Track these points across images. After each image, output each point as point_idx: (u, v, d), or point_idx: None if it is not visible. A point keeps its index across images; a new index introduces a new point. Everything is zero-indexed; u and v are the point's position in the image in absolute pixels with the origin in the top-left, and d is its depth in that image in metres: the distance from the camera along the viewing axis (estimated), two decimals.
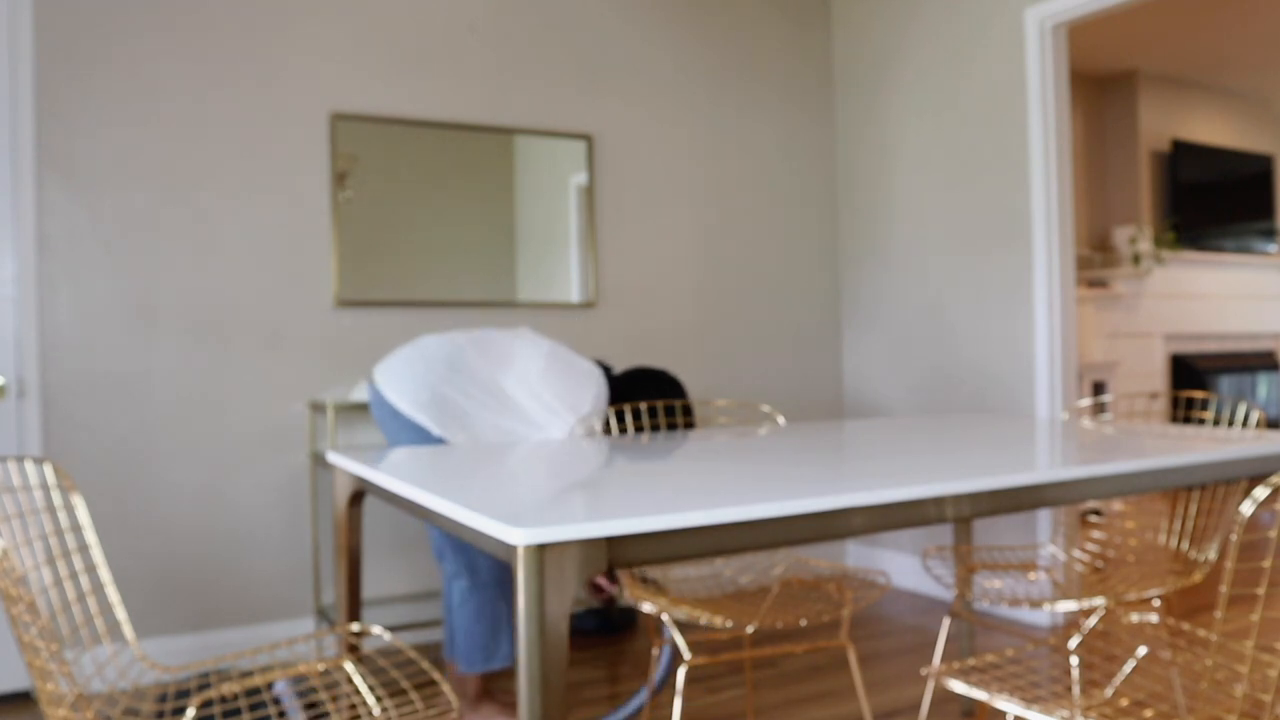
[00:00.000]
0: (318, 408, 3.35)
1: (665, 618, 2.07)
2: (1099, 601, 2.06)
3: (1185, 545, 2.32)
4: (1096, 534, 2.50)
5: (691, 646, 3.34)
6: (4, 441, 2.96)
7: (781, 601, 2.13)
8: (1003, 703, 1.49)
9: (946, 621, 2.32)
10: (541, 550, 1.16)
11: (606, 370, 2.92)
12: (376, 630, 1.63)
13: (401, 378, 2.60)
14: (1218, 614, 1.19)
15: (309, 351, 3.38)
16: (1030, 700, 1.47)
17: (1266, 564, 1.21)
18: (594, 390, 2.67)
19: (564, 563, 1.18)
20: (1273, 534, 1.21)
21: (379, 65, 3.51)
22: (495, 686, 2.93)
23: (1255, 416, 2.43)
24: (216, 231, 3.26)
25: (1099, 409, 4.44)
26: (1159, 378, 6.33)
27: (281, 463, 3.34)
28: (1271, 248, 7.08)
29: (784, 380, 4.34)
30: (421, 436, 2.58)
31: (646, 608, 2.10)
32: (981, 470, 1.58)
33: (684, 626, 3.54)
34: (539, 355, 2.66)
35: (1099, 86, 6.56)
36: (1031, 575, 2.39)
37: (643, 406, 2.90)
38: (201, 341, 3.23)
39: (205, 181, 3.25)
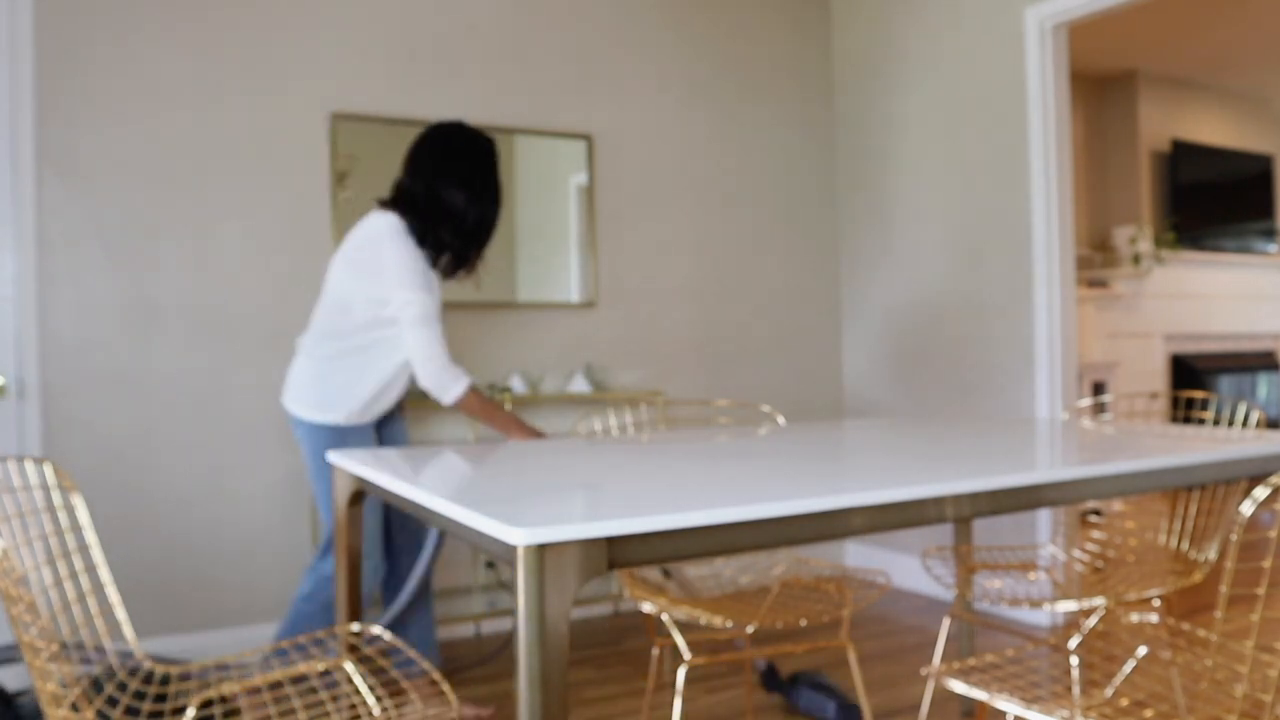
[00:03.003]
0: None
1: (665, 617, 2.07)
2: (1099, 601, 2.06)
3: (1185, 545, 2.32)
4: (1096, 534, 2.50)
5: (691, 646, 3.34)
6: (4, 441, 2.96)
7: (781, 601, 2.13)
8: (1003, 703, 1.49)
9: (946, 621, 2.32)
10: (541, 550, 1.16)
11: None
12: (376, 630, 1.63)
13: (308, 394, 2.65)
14: (1218, 614, 1.19)
15: None
16: (1030, 700, 1.47)
17: (1266, 564, 1.21)
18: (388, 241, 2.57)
19: (564, 563, 1.17)
20: (1273, 534, 1.21)
21: (379, 65, 3.51)
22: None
23: (1255, 416, 2.43)
24: (216, 231, 3.26)
25: (1099, 409, 4.44)
26: (1159, 378, 6.33)
27: (281, 462, 3.34)
28: (1271, 248, 7.07)
29: (784, 380, 4.34)
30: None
31: (646, 608, 2.10)
32: (981, 470, 1.58)
33: (684, 626, 3.54)
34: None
35: (1099, 86, 6.56)
36: (1031, 575, 2.39)
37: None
38: (201, 341, 3.23)
39: (205, 181, 3.25)
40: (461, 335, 3.63)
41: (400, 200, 2.64)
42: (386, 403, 2.71)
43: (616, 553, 1.22)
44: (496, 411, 2.64)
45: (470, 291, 3.64)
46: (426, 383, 2.57)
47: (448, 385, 2.57)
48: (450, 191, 2.61)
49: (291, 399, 2.66)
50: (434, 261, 2.66)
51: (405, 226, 2.59)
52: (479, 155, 2.66)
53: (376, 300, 2.56)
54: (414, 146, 2.69)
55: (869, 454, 1.89)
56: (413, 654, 1.53)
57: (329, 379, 2.61)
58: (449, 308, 3.61)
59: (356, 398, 2.62)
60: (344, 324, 2.60)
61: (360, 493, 2.02)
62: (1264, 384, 6.90)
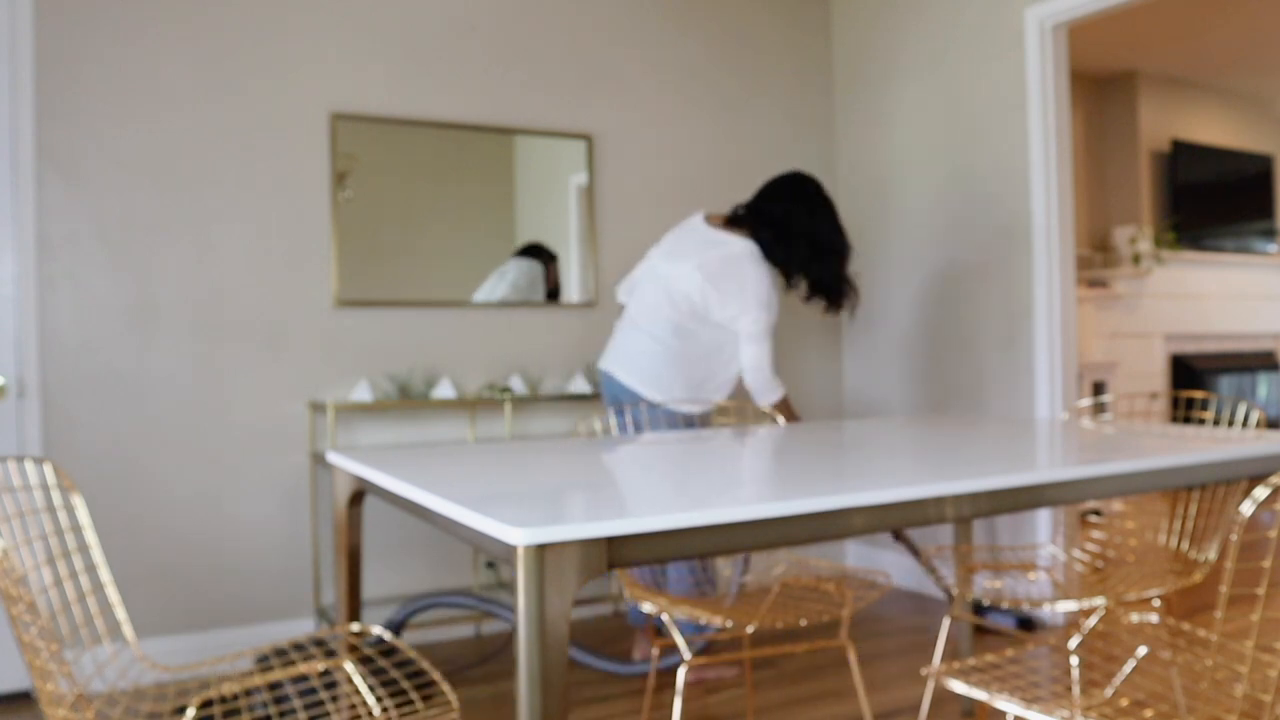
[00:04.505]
0: (318, 408, 3.35)
1: (665, 618, 2.07)
2: (1099, 601, 2.06)
3: (1185, 545, 2.32)
4: (1096, 534, 2.50)
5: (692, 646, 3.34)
6: (4, 441, 2.96)
7: (781, 601, 2.13)
8: (1003, 703, 1.49)
9: (946, 621, 2.32)
10: (541, 550, 1.16)
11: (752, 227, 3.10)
12: (376, 630, 1.63)
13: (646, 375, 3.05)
14: (1218, 614, 1.19)
15: (309, 351, 3.39)
16: (1030, 700, 1.47)
17: (1266, 564, 1.21)
18: (752, 271, 2.98)
19: (564, 563, 1.17)
20: (1273, 534, 1.21)
21: (379, 65, 3.51)
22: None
23: (1255, 416, 2.43)
24: (216, 231, 3.26)
25: (1099, 409, 4.44)
26: (1159, 378, 6.33)
27: (281, 463, 3.34)
28: (1271, 248, 7.07)
29: (784, 380, 4.34)
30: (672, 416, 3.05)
31: (646, 608, 2.10)
32: (981, 470, 1.58)
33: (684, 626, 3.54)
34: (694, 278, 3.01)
35: (1099, 86, 6.56)
36: (1031, 575, 2.39)
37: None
38: (201, 341, 3.23)
39: (205, 181, 3.25)
40: (462, 335, 3.63)
41: (767, 221, 3.04)
42: (721, 398, 3.14)
43: (616, 553, 1.22)
44: (794, 417, 3.11)
45: (469, 291, 3.64)
46: (754, 385, 3.02)
47: (770, 391, 3.03)
48: (827, 230, 3.07)
49: (654, 387, 3.03)
50: (787, 283, 3.15)
51: (761, 252, 3.03)
52: (833, 206, 3.13)
53: (732, 315, 2.99)
54: (786, 183, 3.10)
55: (869, 454, 1.89)
56: (413, 654, 1.53)
57: (693, 374, 3.04)
58: (449, 305, 3.62)
59: (718, 390, 3.10)
60: (696, 327, 3.02)
61: (360, 492, 2.02)
62: (1264, 384, 6.90)
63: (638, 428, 2.97)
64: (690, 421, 3.07)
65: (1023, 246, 3.64)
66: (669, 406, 3.01)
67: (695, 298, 2.99)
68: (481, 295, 3.66)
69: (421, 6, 3.60)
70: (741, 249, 3.01)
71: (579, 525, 1.18)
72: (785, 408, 3.09)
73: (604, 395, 3.15)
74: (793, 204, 3.04)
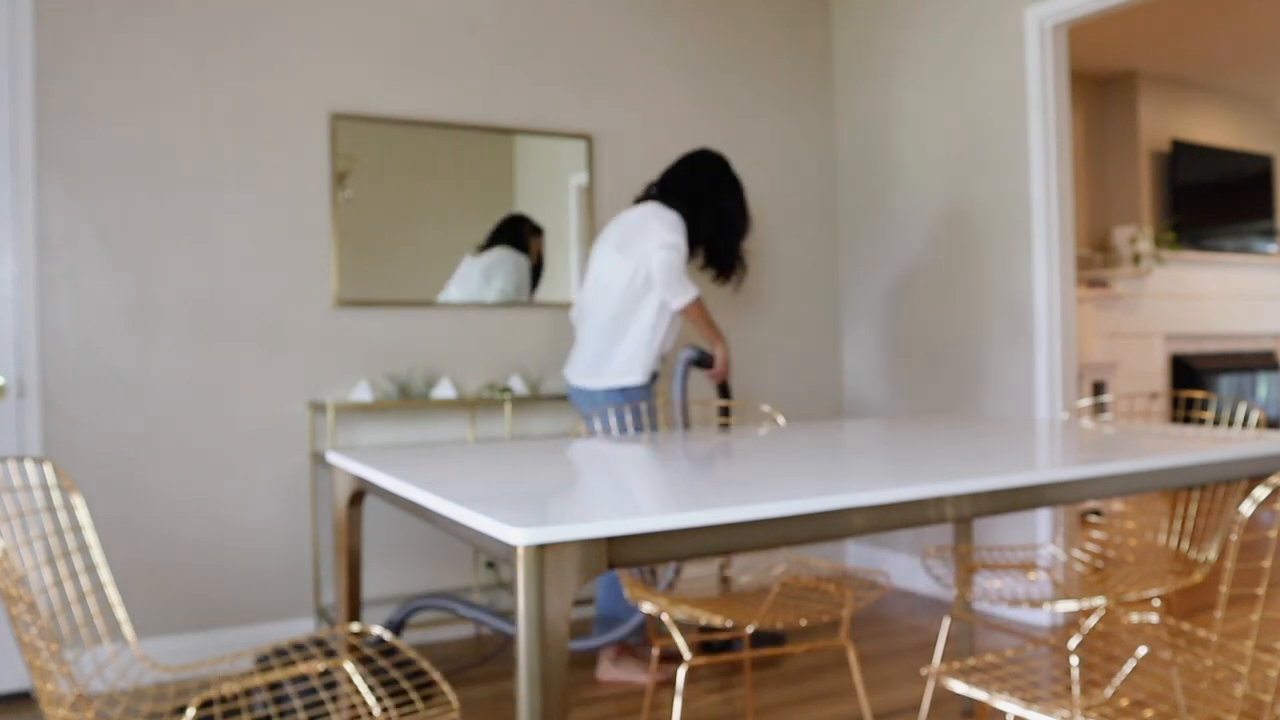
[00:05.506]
0: (318, 408, 3.35)
1: (665, 618, 2.07)
2: (1099, 601, 2.06)
3: (1185, 545, 2.32)
4: (1096, 534, 2.50)
5: (691, 646, 3.34)
6: (4, 441, 2.96)
7: (781, 601, 2.13)
8: (1003, 703, 1.49)
9: (946, 621, 2.32)
10: (541, 550, 1.16)
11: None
12: (376, 630, 1.63)
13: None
14: (1218, 614, 1.19)
15: (309, 351, 3.39)
16: (1030, 700, 1.47)
17: (1266, 564, 1.21)
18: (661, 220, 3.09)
19: (564, 563, 1.17)
20: (1273, 534, 1.21)
21: (379, 65, 3.51)
22: (636, 647, 3.23)
23: (1255, 416, 2.43)
24: (216, 231, 3.26)
25: (1099, 409, 4.44)
26: (1159, 378, 6.33)
27: (281, 463, 3.34)
28: (1271, 248, 7.07)
29: (784, 380, 4.34)
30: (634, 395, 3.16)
31: (646, 607, 2.10)
32: (981, 470, 1.58)
33: (684, 627, 3.54)
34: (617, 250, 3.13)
35: (1099, 86, 6.56)
36: (1031, 575, 2.39)
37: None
38: (201, 341, 3.23)
39: (205, 181, 3.25)
40: (462, 335, 3.63)
41: (674, 192, 3.19)
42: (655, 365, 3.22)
43: (616, 553, 1.22)
44: (714, 324, 3.18)
45: (471, 291, 3.64)
46: (665, 285, 3.06)
47: (681, 292, 3.07)
48: (730, 200, 3.22)
49: (593, 375, 3.15)
50: (690, 251, 3.20)
51: (664, 208, 3.14)
52: (739, 183, 3.28)
53: (644, 254, 3.07)
54: (694, 159, 3.26)
55: (869, 454, 1.89)
56: (413, 654, 1.53)
57: (624, 351, 3.13)
58: (449, 306, 3.61)
59: (651, 359, 3.17)
60: (628, 306, 3.10)
61: (360, 492, 2.02)
62: (1264, 384, 6.90)
63: (606, 430, 2.99)
64: (631, 394, 3.15)
65: (1023, 247, 3.64)
66: (609, 385, 3.14)
67: (616, 273, 3.11)
68: (457, 285, 3.62)
69: (422, 6, 3.60)
70: (647, 209, 3.16)
71: (579, 525, 1.18)
72: (699, 313, 3.12)
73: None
74: (700, 177, 3.21)
